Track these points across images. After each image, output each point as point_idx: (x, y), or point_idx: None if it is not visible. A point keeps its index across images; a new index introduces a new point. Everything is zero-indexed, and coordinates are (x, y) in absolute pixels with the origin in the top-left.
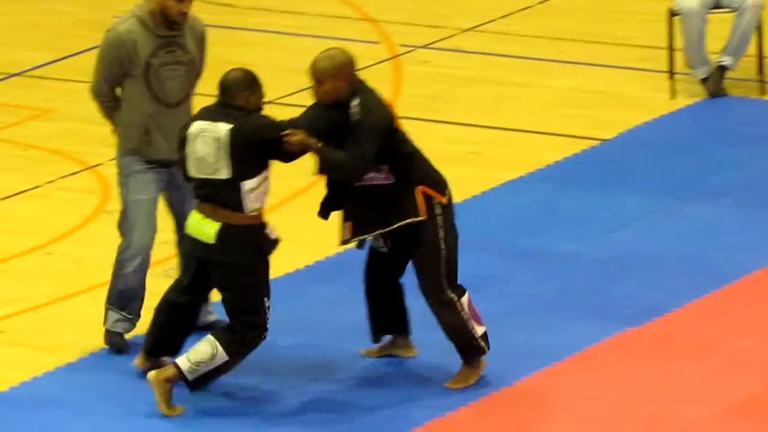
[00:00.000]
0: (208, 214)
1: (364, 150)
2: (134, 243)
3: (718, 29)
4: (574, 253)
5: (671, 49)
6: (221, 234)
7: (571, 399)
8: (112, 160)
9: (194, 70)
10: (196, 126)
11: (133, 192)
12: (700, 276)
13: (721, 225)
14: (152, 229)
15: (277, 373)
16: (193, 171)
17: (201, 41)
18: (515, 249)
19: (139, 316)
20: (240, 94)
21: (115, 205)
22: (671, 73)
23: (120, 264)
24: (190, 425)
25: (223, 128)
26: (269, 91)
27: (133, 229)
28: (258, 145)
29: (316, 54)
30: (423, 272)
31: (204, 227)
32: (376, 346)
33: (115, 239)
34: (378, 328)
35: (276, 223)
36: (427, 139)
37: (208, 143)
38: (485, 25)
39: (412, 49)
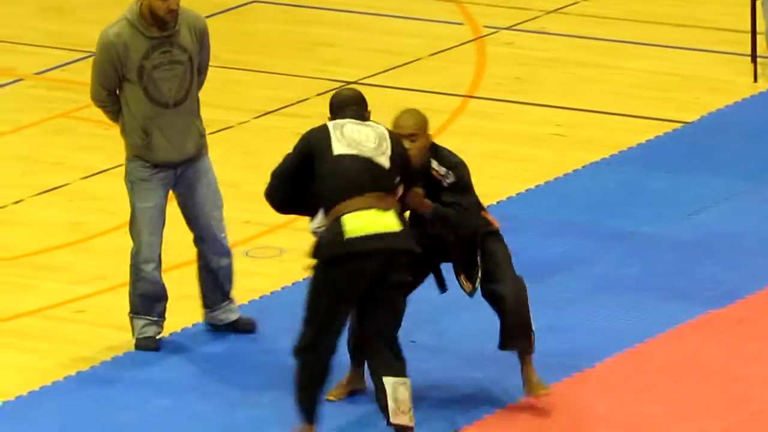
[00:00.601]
0: (372, 205)
1: (469, 204)
2: (143, 248)
3: None
4: (657, 235)
5: (754, 32)
6: (401, 220)
7: (652, 380)
8: None
9: (193, 68)
10: (340, 121)
11: (138, 200)
12: None
13: None
14: (158, 234)
15: None
16: (345, 149)
17: (201, 37)
18: (598, 231)
19: (164, 317)
20: (366, 111)
21: None
22: (754, 56)
23: (135, 269)
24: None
25: (383, 128)
26: (353, 71)
27: (140, 235)
28: (403, 166)
29: (399, 35)
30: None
31: (384, 219)
32: (337, 387)
33: None
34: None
35: None
36: (511, 121)
37: (364, 131)
38: (569, 7)
39: (495, 30)
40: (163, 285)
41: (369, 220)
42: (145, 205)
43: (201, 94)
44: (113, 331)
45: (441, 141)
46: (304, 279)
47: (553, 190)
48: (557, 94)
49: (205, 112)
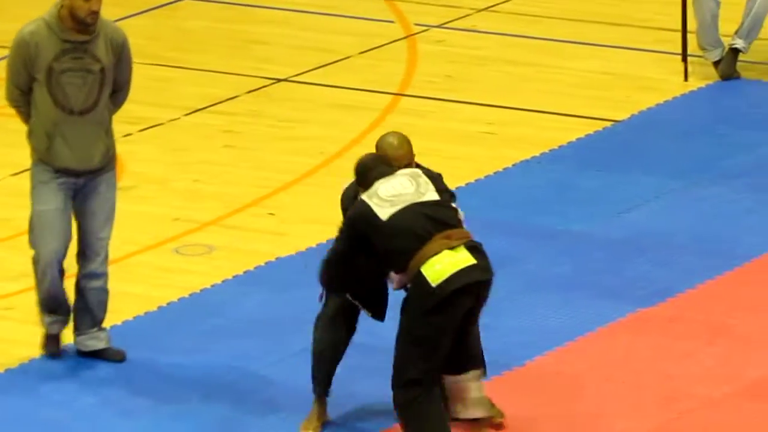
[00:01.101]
0: (443, 246)
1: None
2: (43, 255)
3: (731, 12)
4: (588, 233)
5: (685, 31)
6: (476, 252)
7: (583, 379)
8: (126, 135)
9: (107, 79)
10: (372, 190)
11: (37, 203)
12: (712, 258)
13: (733, 207)
14: (58, 239)
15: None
16: (391, 209)
17: (119, 50)
18: (529, 229)
19: (69, 314)
20: (391, 161)
21: (128, 182)
22: (685, 55)
23: (37, 274)
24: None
25: (409, 168)
26: (284, 69)
27: (38, 240)
28: (446, 189)
29: (331, 33)
30: None
31: (458, 256)
32: (310, 421)
33: (128, 215)
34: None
35: (292, 202)
36: (442, 119)
37: (397, 182)
38: (500, 5)
39: (426, 28)
40: (63, 290)
41: (446, 263)
42: (45, 208)
43: (132, 92)
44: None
45: (372, 139)
46: (233, 276)
47: (484, 188)
48: (488, 92)
49: (135, 110)
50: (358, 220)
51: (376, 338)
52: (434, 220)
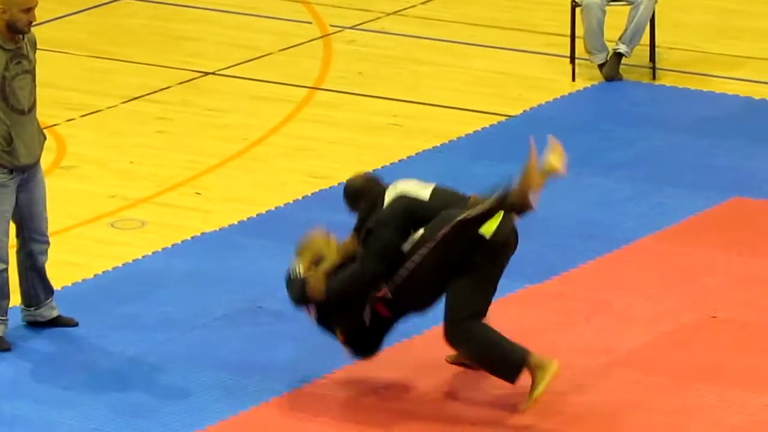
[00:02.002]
0: (476, 202)
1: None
2: (2, 254)
3: (616, 20)
4: None
5: (573, 36)
6: None
7: None
8: (69, 120)
9: (35, 76)
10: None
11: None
12: (594, 241)
13: (613, 196)
14: (8, 236)
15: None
16: (424, 190)
17: (35, 48)
18: None
19: (7, 315)
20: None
21: (69, 162)
22: (573, 57)
23: None
24: None
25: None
26: (211, 63)
27: None
28: None
29: (254, 31)
30: None
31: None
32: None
33: (69, 192)
34: None
35: (217, 183)
36: (352, 111)
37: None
38: (407, 9)
39: (340, 29)
40: (8, 287)
41: (489, 221)
42: (3, 209)
43: (75, 81)
44: None
45: (290, 128)
46: (163, 249)
47: (389, 174)
48: (395, 88)
49: (77, 97)
50: (405, 208)
51: (289, 306)
52: (456, 193)
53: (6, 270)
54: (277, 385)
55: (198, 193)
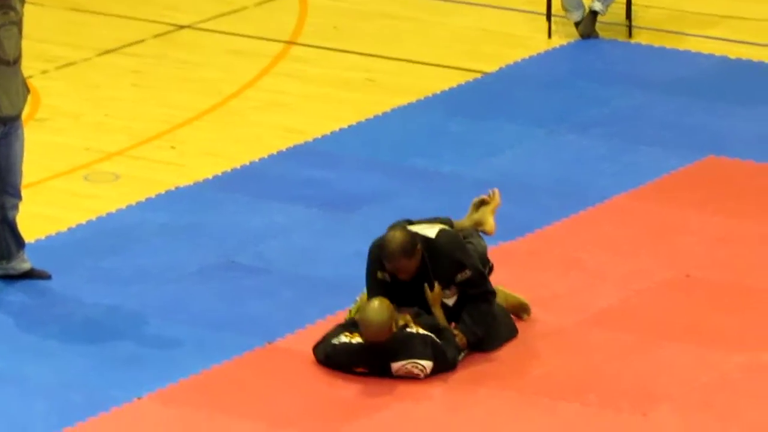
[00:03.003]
0: None
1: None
2: None
3: None
4: (457, 174)
5: None
6: None
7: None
8: (44, 72)
9: (21, 28)
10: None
11: None
12: (568, 198)
13: (588, 154)
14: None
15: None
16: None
17: (23, 1)
18: (404, 168)
19: None
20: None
21: (43, 114)
22: (549, 15)
23: None
24: None
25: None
26: (186, 17)
27: None
28: None
29: None
30: None
31: None
32: None
33: (43, 144)
34: None
35: (192, 137)
36: (327, 66)
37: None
38: None
39: None
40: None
41: None
42: None
43: (50, 34)
44: None
45: (265, 82)
46: (137, 202)
47: (364, 130)
48: (370, 43)
49: (52, 50)
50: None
51: (262, 261)
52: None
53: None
54: (249, 339)
55: (173, 147)
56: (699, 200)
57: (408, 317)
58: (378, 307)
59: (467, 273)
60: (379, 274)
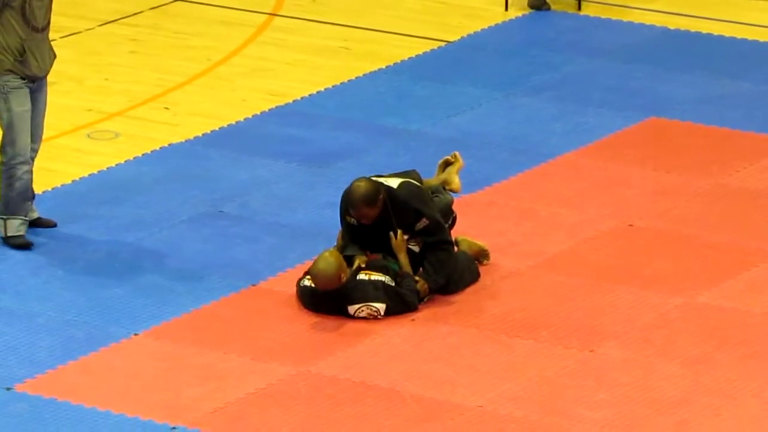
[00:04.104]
0: None
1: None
2: (21, 151)
3: None
4: (422, 132)
5: None
6: None
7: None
8: (51, 41)
9: (52, 1)
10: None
11: (16, 105)
12: (522, 155)
13: (541, 114)
14: (30, 137)
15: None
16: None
17: None
18: (375, 127)
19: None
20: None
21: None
22: None
23: (11, 173)
24: None
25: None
26: None
27: (18, 139)
28: None
29: None
30: None
31: None
32: None
33: (50, 105)
34: None
35: (184, 99)
36: (306, 36)
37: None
38: None
39: None
40: (32, 186)
41: None
42: (22, 109)
43: (58, 6)
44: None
45: (250, 50)
46: (134, 158)
47: (339, 93)
48: (346, 15)
49: (59, 21)
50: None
51: (247, 210)
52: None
53: (29, 171)
54: (235, 281)
55: (166, 108)
56: (641, 157)
57: (361, 261)
58: (327, 258)
59: (425, 222)
60: (348, 219)
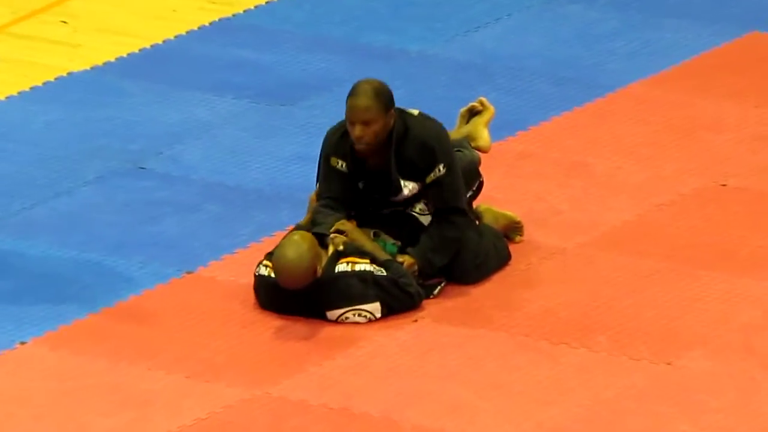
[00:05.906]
0: None
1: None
2: None
3: None
4: (426, 54)
5: None
6: None
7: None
8: None
9: None
10: None
11: None
12: (569, 86)
13: (595, 29)
14: None
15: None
16: None
17: None
18: (360, 48)
19: None
20: None
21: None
22: None
23: None
24: None
25: None
26: None
27: None
28: None
29: None
30: None
31: None
32: None
33: None
34: None
35: (88, 9)
36: None
37: None
38: None
39: None
40: None
41: None
42: None
43: None
44: None
45: None
46: (19, 92)
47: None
48: None
49: None
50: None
51: (179, 167)
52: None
53: None
54: (162, 267)
55: (64, 22)
56: (738, 89)
57: (339, 242)
58: (297, 244)
59: (441, 170)
60: (333, 161)
